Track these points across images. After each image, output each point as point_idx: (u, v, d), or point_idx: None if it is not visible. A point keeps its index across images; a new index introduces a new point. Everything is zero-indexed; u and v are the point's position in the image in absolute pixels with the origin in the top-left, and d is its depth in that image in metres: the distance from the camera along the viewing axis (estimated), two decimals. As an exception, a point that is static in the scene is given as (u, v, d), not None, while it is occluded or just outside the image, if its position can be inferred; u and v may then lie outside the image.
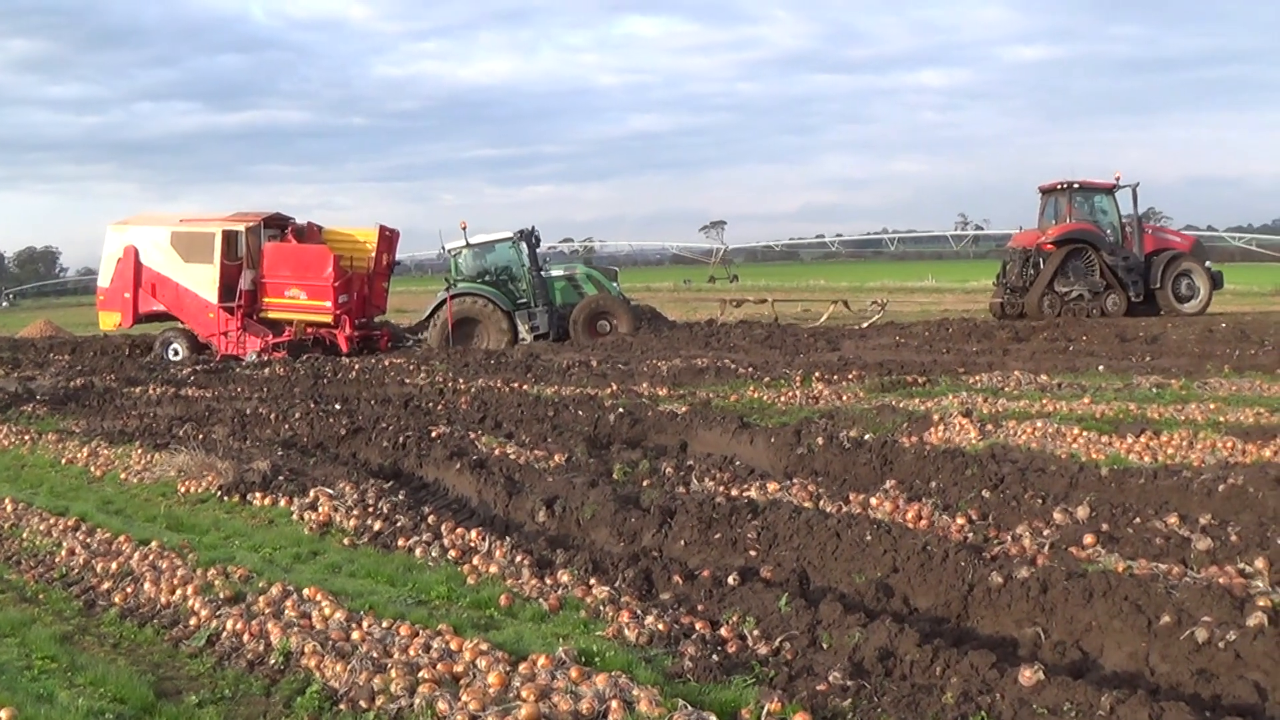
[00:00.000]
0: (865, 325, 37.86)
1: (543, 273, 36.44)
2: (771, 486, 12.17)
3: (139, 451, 16.11)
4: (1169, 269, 37.58)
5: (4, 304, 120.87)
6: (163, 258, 34.97)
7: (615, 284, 38.22)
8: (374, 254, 35.63)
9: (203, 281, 34.51)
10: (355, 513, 11.83)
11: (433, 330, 35.22)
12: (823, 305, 45.23)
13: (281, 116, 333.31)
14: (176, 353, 34.35)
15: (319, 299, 34.42)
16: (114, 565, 10.44)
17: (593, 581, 9.21)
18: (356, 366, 27.25)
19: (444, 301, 35.30)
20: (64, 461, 16.53)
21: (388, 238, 36.49)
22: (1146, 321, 34.89)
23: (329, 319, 34.57)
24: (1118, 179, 38.42)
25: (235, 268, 34.51)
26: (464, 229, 36.57)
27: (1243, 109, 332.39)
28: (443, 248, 37.65)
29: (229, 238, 34.65)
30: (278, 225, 35.93)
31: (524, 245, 36.09)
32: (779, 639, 7.79)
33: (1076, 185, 38.56)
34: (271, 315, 34.69)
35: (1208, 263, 39.67)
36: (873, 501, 11.33)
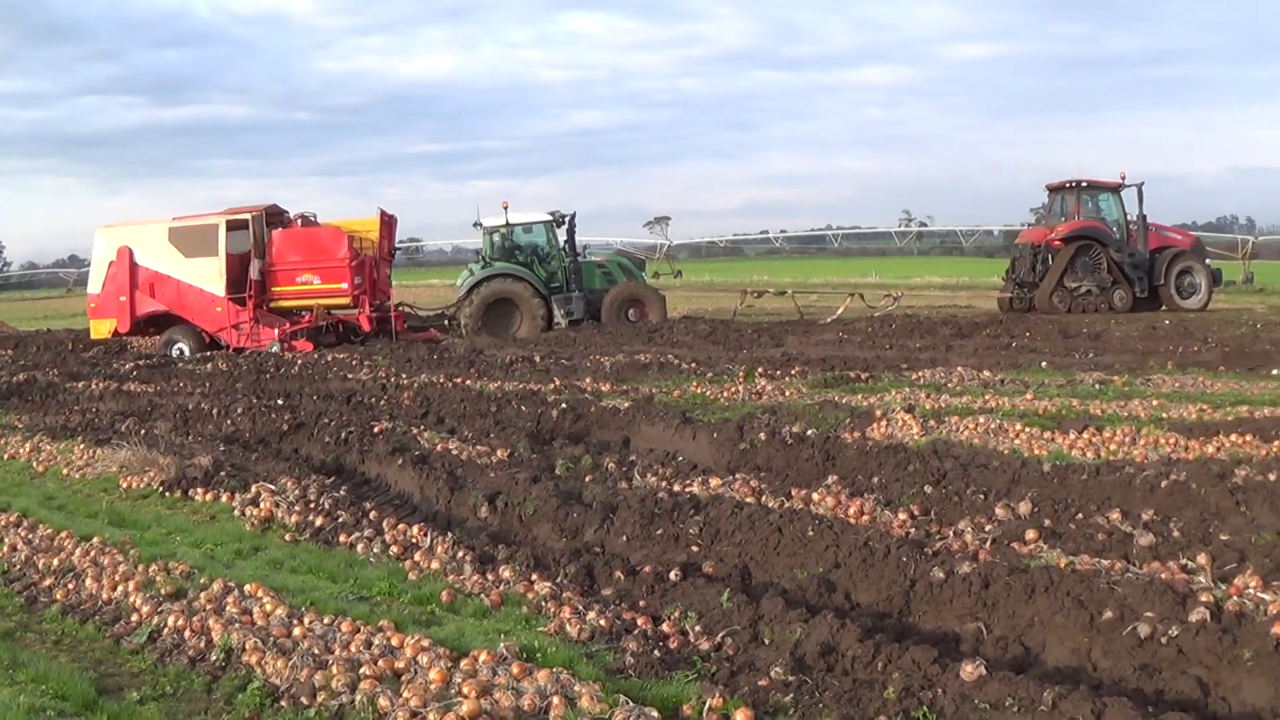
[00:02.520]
0: (877, 314, 38.62)
1: (579, 258, 36.46)
2: (714, 482, 12.20)
3: (81, 447, 15.99)
4: (1172, 266, 38.48)
5: None
6: (161, 255, 33.95)
7: (642, 273, 38.62)
8: (377, 240, 34.89)
9: (207, 275, 33.63)
10: (297, 508, 11.80)
11: (467, 309, 35.01)
12: (836, 299, 45.39)
13: (224, 111, 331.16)
14: (182, 352, 32.92)
15: (334, 281, 33.78)
16: (55, 561, 10.39)
17: (535, 577, 9.23)
18: (299, 362, 27.10)
19: (481, 281, 35.18)
20: (6, 457, 16.44)
21: (387, 223, 35.77)
22: (1090, 318, 35.30)
23: (347, 301, 33.95)
24: (1123, 178, 39.12)
25: (240, 259, 33.81)
26: (505, 209, 36.31)
27: (1183, 108, 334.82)
28: (477, 224, 37.11)
29: (233, 228, 33.88)
30: (275, 216, 35.24)
31: (560, 229, 36.12)
32: (721, 634, 7.84)
33: (1084, 184, 39.46)
34: (284, 304, 33.98)
35: (1207, 260, 40.82)
36: (815, 497, 11.34)
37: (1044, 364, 22.76)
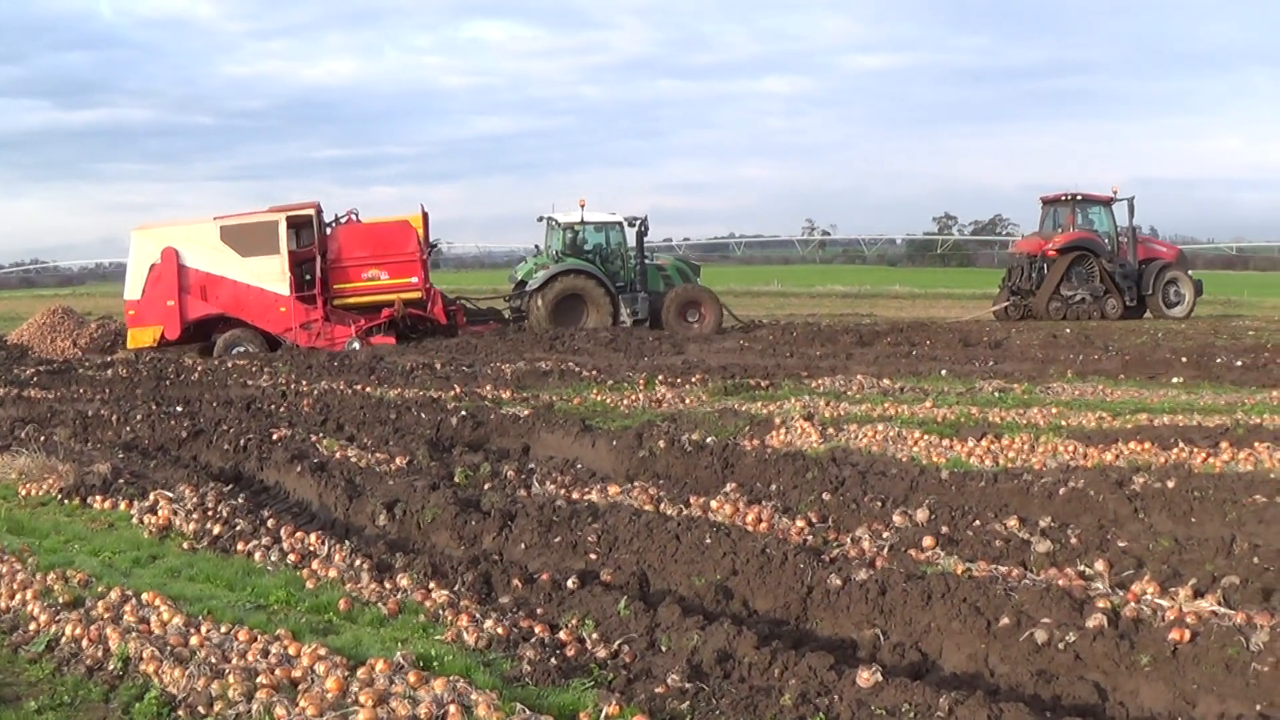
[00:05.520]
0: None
1: (647, 261, 36.89)
2: (613, 490, 12.25)
3: (-22, 454, 15.79)
4: (1159, 277, 40.18)
5: None
6: (213, 256, 32.51)
7: (698, 277, 39.31)
8: (424, 235, 34.11)
9: (269, 274, 32.54)
10: (195, 516, 11.72)
11: (540, 302, 35.07)
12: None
13: (127, 114, 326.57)
14: (244, 355, 31.35)
15: (404, 275, 33.31)
16: (-49, 570, 10.27)
17: (432, 585, 9.23)
18: (199, 368, 26.88)
19: (555, 276, 35.25)
20: (-101, 464, 16.16)
21: (426, 216, 34.69)
22: (990, 326, 35.85)
23: (419, 295, 33.49)
24: (1115, 192, 40.94)
25: (301, 256, 33.06)
26: (583, 206, 36.79)
27: (1085, 119, 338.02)
28: (546, 218, 37.49)
29: (293, 225, 33.03)
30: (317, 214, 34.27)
31: (631, 231, 36.63)
32: (618, 642, 7.87)
33: (1079, 197, 41.15)
34: (350, 301, 33.33)
35: (1189, 271, 42.42)
36: (713, 504, 11.40)
37: (944, 372, 23.02)
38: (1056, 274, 39.71)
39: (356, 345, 31.62)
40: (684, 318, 36.17)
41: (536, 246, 39.04)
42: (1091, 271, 39.72)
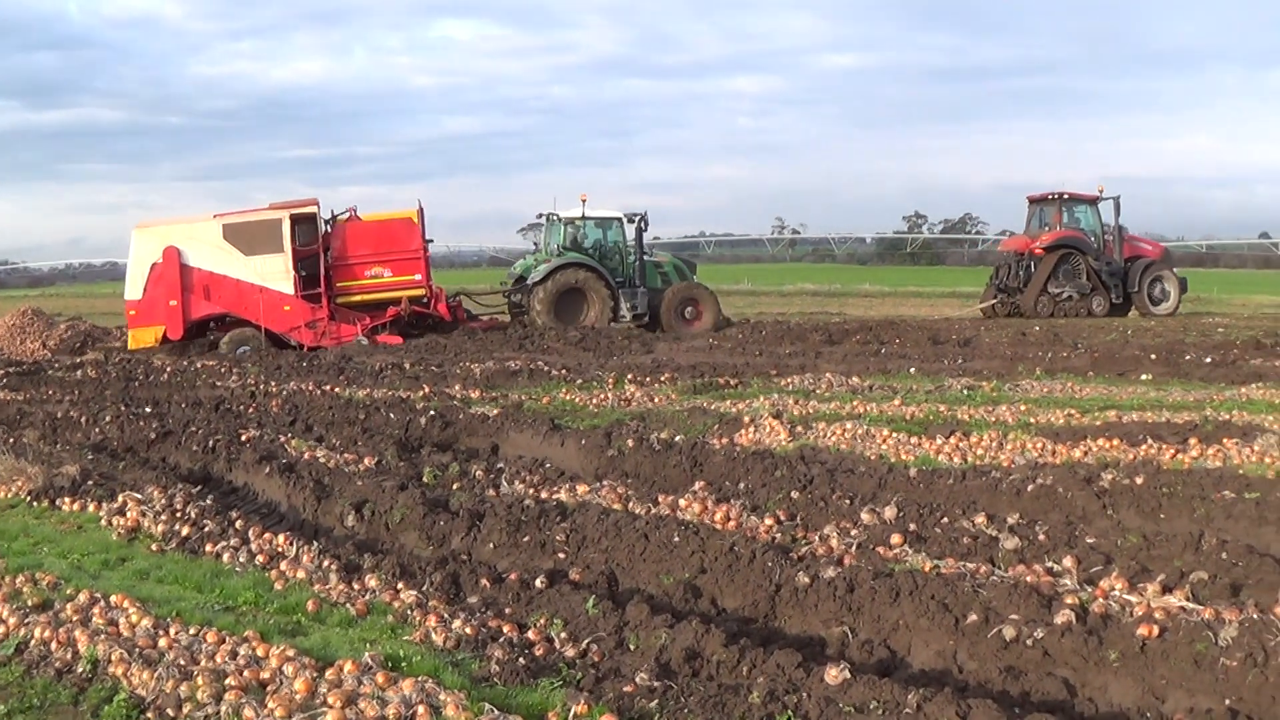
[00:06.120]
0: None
1: (646, 257, 37.17)
2: (581, 489, 12.26)
3: (-54, 457, 15.72)
4: (1145, 274, 40.97)
5: None
6: (216, 255, 32.30)
7: (694, 275, 39.51)
8: (422, 232, 33.98)
9: (273, 273, 32.35)
10: (163, 518, 11.69)
11: (540, 296, 35.21)
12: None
13: (97, 115, 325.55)
14: (249, 355, 30.87)
15: (407, 273, 33.21)
16: (-82, 574, 10.23)
17: (400, 586, 9.22)
18: (169, 369, 26.78)
19: (556, 269, 35.39)
20: None
21: (421, 212, 34.49)
22: (959, 324, 35.92)
23: (422, 292, 33.44)
24: (1101, 191, 41.78)
25: (306, 254, 32.79)
26: (584, 202, 36.97)
27: (1052, 118, 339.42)
28: (547, 214, 37.70)
29: (298, 223, 32.78)
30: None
31: (631, 227, 36.85)
32: (586, 641, 7.89)
33: (1065, 196, 41.97)
34: (353, 299, 33.19)
35: (1174, 269, 43.10)
36: (682, 503, 11.41)
37: (913, 370, 23.08)
38: (1044, 272, 40.40)
39: (363, 341, 31.59)
40: (681, 314, 36.56)
41: (535, 244, 39.37)
42: (1078, 269, 40.47)
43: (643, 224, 36.94)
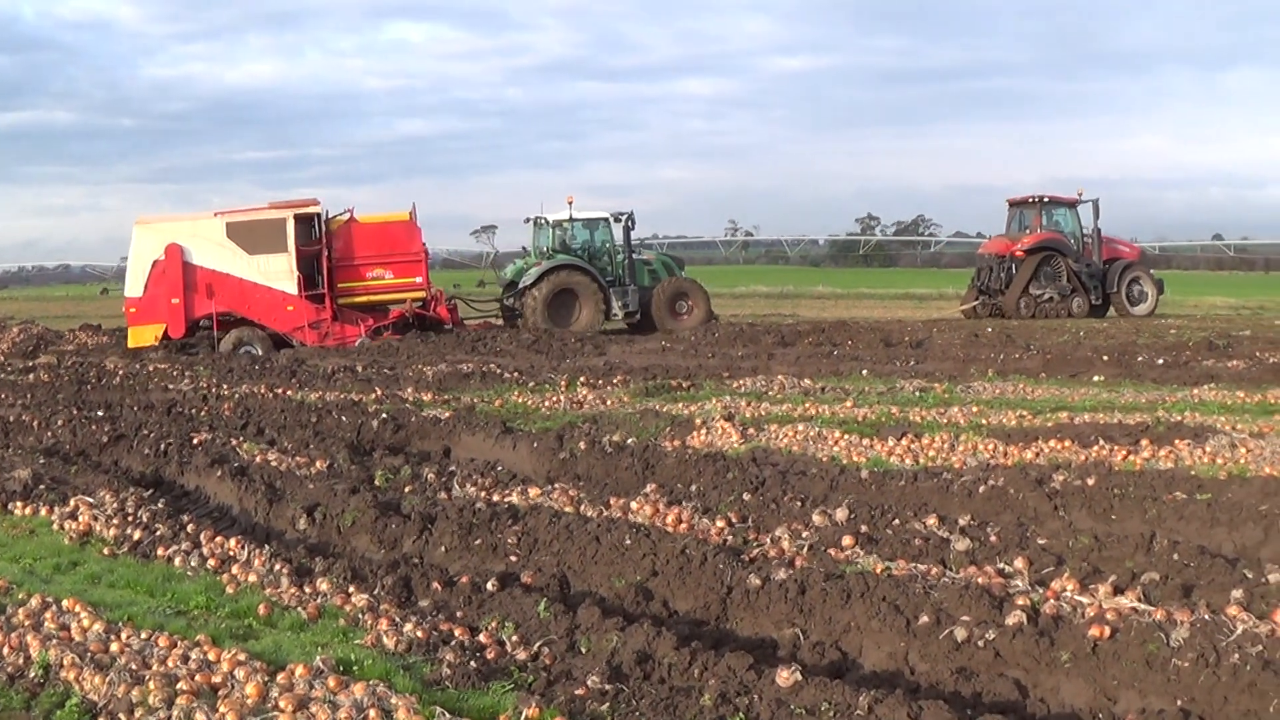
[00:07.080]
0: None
1: (634, 256, 37.52)
2: (533, 491, 12.25)
3: (-104, 462, 15.61)
4: (1123, 275, 41.49)
5: None
6: (219, 253, 32.13)
7: (683, 271, 40.15)
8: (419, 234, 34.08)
9: (276, 273, 32.26)
10: (115, 522, 11.66)
11: (533, 299, 35.32)
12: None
13: (50, 117, 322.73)
14: (253, 355, 30.61)
15: (408, 275, 33.34)
16: None
17: (352, 589, 9.23)
18: (121, 372, 26.65)
19: (547, 272, 35.49)
20: None
21: (414, 214, 34.54)
22: (912, 325, 36.07)
23: (423, 294, 33.55)
24: (1080, 194, 42.37)
25: (309, 254, 32.69)
26: (570, 203, 37.32)
27: (1004, 120, 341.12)
28: (535, 218, 37.87)
29: (299, 222, 32.63)
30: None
31: (618, 227, 37.26)
32: (538, 644, 7.90)
33: (1045, 199, 42.39)
34: (355, 300, 33.19)
35: (1151, 270, 44.10)
36: (633, 505, 11.42)
37: (865, 372, 23.17)
38: (1025, 274, 40.85)
39: (366, 340, 31.65)
40: (673, 310, 37.00)
41: (524, 247, 39.66)
42: (1059, 271, 40.88)
43: (629, 223, 37.31)
